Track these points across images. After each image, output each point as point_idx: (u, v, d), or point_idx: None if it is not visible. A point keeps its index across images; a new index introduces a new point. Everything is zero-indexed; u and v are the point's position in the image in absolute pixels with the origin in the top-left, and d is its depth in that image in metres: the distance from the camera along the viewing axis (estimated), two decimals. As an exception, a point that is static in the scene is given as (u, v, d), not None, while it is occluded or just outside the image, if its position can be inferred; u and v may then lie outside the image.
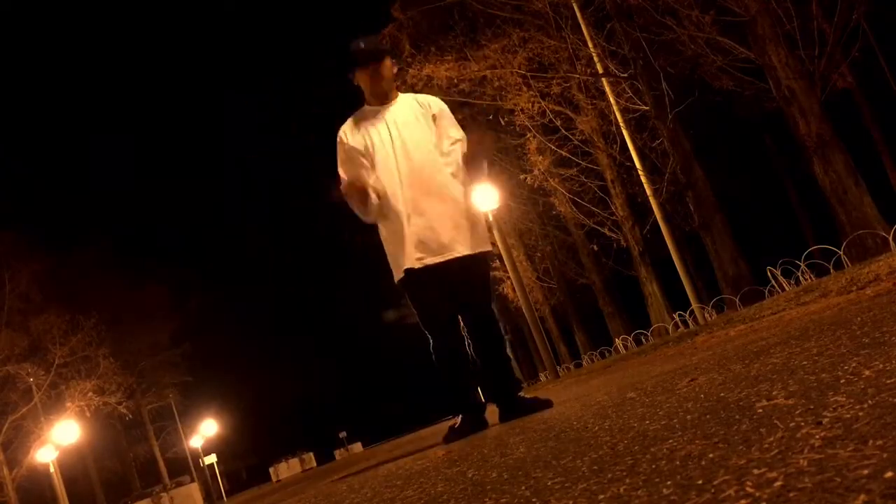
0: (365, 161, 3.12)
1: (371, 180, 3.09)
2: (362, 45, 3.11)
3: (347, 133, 3.17)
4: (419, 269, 3.02)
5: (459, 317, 3.20)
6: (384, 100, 3.17)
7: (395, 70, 3.22)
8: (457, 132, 3.23)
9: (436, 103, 3.25)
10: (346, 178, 3.09)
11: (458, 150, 3.20)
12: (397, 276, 3.12)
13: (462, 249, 3.05)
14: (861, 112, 20.62)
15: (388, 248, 3.17)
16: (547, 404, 2.98)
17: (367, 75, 3.12)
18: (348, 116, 3.27)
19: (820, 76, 10.99)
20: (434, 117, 3.18)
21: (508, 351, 3.31)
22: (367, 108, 3.21)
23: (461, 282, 3.09)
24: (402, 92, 3.32)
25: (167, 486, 33.64)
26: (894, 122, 20.83)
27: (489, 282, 3.27)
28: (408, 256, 3.02)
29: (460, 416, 3.09)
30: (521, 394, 3.18)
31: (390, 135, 3.09)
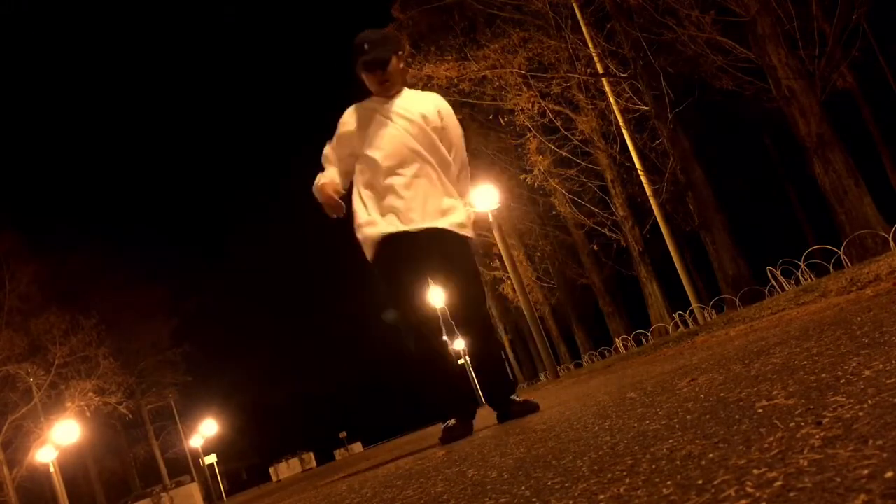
0: (353, 145, 3.16)
1: (354, 167, 3.17)
2: (366, 47, 3.08)
3: (348, 117, 3.22)
4: (392, 241, 2.98)
5: (446, 314, 3.20)
6: (389, 94, 3.20)
7: (401, 65, 3.20)
8: (458, 147, 3.29)
9: (442, 111, 3.25)
10: (321, 177, 3.16)
11: (457, 155, 3.27)
12: (369, 252, 3.07)
13: (437, 223, 3.03)
14: (861, 112, 20.61)
15: (361, 222, 3.11)
16: (533, 408, 3.00)
17: (374, 79, 3.15)
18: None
19: (820, 76, 10.99)
20: (441, 129, 3.20)
21: (502, 351, 3.28)
22: (373, 98, 3.24)
23: (441, 259, 3.05)
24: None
25: (167, 486, 33.65)
26: (894, 122, 20.83)
27: (474, 270, 3.19)
28: (379, 226, 3.01)
29: (454, 418, 3.03)
30: (515, 396, 3.14)
31: (390, 122, 3.12)
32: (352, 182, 3.20)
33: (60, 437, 24.86)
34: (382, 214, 3.03)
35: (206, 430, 40.68)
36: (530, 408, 3.01)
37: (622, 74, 14.42)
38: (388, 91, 3.17)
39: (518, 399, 3.12)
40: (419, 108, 3.16)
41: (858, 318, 2.18)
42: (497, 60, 16.48)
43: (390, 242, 2.99)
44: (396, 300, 3.05)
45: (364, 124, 3.15)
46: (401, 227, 2.99)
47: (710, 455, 0.91)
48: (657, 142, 14.90)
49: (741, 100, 15.88)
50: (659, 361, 4.25)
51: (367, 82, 3.19)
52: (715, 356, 2.66)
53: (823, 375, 1.25)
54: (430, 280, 3.15)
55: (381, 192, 3.06)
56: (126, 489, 38.15)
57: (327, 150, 3.25)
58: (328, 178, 3.17)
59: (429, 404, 3.12)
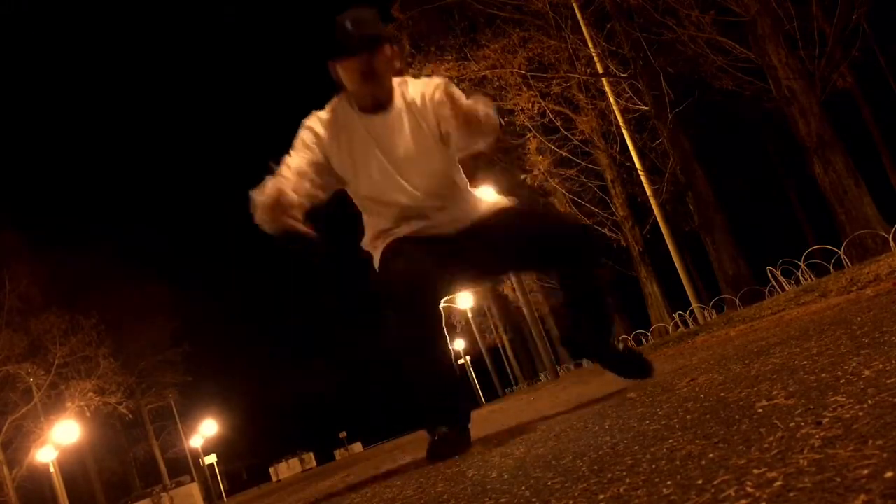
0: (319, 178, 2.23)
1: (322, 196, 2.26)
2: (349, 26, 2.12)
3: (318, 129, 2.25)
4: (402, 240, 2.25)
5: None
6: (373, 107, 2.22)
7: (396, 65, 2.24)
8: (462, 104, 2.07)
9: (430, 90, 2.22)
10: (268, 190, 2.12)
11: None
12: (377, 258, 2.30)
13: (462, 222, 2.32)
14: (861, 112, 20.63)
15: (369, 233, 2.39)
16: (645, 368, 2.40)
17: (355, 69, 2.14)
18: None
19: (820, 76, 11.00)
20: (435, 106, 2.20)
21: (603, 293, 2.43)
22: (347, 107, 2.25)
23: (494, 247, 2.32)
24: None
25: (167, 486, 33.65)
26: (894, 122, 20.85)
27: (543, 213, 2.59)
28: (390, 232, 2.30)
29: (445, 427, 2.26)
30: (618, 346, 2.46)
31: (376, 158, 2.22)
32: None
33: (60, 437, 24.87)
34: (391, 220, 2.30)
35: (206, 430, 40.69)
36: (640, 367, 2.39)
37: (622, 74, 14.42)
38: (372, 95, 2.20)
39: (621, 349, 2.45)
40: (411, 118, 2.23)
41: (858, 318, 2.18)
42: (497, 60, 16.48)
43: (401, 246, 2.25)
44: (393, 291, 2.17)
45: (344, 143, 2.23)
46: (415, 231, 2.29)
47: (710, 455, 0.90)
48: (657, 142, 14.92)
49: (741, 100, 15.89)
50: (659, 361, 4.24)
51: (343, 75, 2.19)
52: (715, 356, 2.66)
53: (823, 375, 1.25)
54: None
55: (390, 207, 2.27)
56: (126, 489, 38.13)
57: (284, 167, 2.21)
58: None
59: (415, 408, 2.38)
